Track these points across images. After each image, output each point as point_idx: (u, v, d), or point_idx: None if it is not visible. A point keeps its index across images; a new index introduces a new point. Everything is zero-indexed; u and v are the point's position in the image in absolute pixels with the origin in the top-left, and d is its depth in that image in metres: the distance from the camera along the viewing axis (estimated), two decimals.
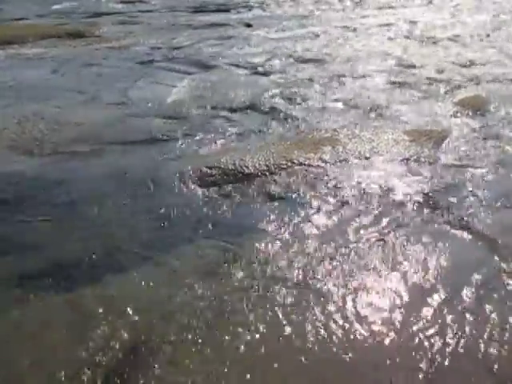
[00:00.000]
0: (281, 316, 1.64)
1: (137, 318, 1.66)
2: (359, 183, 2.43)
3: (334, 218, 2.17)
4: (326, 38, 5.85)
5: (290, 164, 2.60)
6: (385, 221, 2.14)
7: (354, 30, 6.25)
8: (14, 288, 1.80)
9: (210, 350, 1.52)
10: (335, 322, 1.63)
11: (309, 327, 1.60)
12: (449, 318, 1.63)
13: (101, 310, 1.69)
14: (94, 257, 1.96)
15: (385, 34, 5.97)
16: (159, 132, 3.08)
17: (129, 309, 1.69)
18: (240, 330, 1.59)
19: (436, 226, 2.10)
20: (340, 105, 3.52)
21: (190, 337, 1.58)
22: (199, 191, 2.41)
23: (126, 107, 3.52)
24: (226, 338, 1.57)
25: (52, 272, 1.88)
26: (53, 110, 3.39)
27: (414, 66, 4.44)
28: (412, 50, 5.01)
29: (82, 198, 2.35)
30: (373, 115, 3.32)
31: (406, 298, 1.72)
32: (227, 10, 7.18)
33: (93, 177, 2.55)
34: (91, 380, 1.45)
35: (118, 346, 1.56)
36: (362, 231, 2.07)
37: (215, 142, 2.93)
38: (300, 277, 1.82)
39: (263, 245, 2.00)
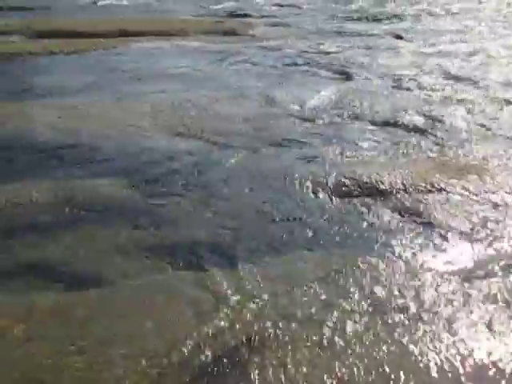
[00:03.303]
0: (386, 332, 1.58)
1: (257, 308, 1.71)
2: (507, 224, 2.21)
3: (472, 257, 2.00)
4: (483, 56, 5.42)
5: (429, 187, 2.47)
6: None
7: None
8: (145, 257, 1.97)
9: (319, 349, 1.52)
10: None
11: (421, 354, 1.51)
12: None
13: (225, 293, 1.77)
14: (223, 241, 2.07)
15: None
16: (297, 134, 3.14)
17: (250, 297, 1.76)
18: (348, 335, 1.56)
19: None
20: (492, 132, 3.24)
21: (300, 335, 1.59)
22: (330, 199, 2.41)
23: (268, 105, 3.66)
24: (335, 341, 1.55)
25: (183, 248, 2.03)
26: (203, 100, 3.65)
27: None
28: None
29: (218, 186, 2.50)
30: None
31: None
32: (379, 20, 7.05)
33: (229, 169, 2.69)
34: (203, 359, 1.52)
35: (235, 331, 1.62)
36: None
37: (352, 153, 2.90)
38: (414, 308, 1.71)
39: (385, 264, 1.94)
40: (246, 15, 7.16)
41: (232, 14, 7.15)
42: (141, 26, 5.86)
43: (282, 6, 7.99)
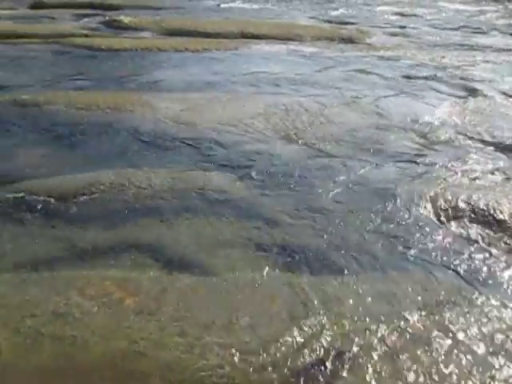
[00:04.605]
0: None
1: (348, 325, 1.69)
2: None
3: None
4: None
5: None
6: None
7: None
8: (247, 253, 2.04)
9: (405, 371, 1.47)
10: None
11: None
12: None
13: (320, 302, 1.78)
14: (323, 248, 2.09)
15: None
16: (408, 150, 3.03)
17: (344, 312, 1.75)
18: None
19: None
20: None
21: (391, 353, 1.56)
22: (439, 222, 2.30)
23: (379, 117, 3.57)
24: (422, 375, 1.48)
25: (284, 249, 2.07)
26: (316, 105, 3.67)
27: None
28: None
29: (322, 194, 2.50)
30: None
31: None
32: (511, 34, 6.50)
33: (334, 177, 2.66)
34: (293, 363, 1.54)
35: (325, 343, 1.62)
36: None
37: (467, 175, 2.73)
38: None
39: (495, 301, 1.81)
40: (364, 23, 7.03)
41: (350, 22, 7.07)
42: (260, 29, 6.03)
43: (403, 15, 7.71)
